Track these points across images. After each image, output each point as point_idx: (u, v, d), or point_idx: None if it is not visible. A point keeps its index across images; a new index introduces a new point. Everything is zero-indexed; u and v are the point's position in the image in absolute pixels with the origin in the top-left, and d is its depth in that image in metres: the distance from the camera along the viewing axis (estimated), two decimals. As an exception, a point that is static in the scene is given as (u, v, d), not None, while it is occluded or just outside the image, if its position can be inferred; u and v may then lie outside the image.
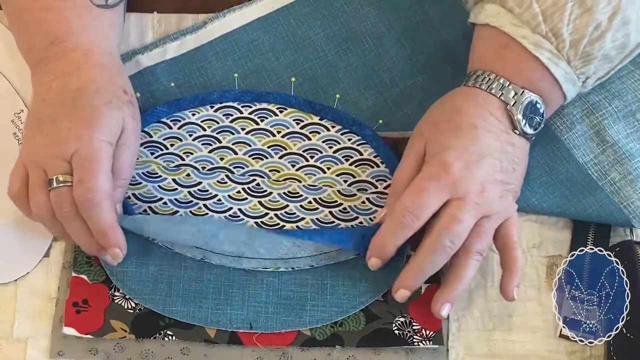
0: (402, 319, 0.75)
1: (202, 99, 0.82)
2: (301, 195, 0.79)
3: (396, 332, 0.75)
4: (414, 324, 0.75)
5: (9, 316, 0.77)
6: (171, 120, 0.82)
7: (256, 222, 0.78)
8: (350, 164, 0.81)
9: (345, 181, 0.80)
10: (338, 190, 0.79)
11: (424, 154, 0.73)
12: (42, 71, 0.76)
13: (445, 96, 0.76)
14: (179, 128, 0.82)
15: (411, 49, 0.84)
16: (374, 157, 0.81)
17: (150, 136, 0.81)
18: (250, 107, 0.82)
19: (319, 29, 0.85)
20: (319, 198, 0.79)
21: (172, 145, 0.81)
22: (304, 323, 0.75)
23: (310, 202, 0.79)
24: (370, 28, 0.85)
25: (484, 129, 0.72)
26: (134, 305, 0.76)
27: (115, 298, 0.76)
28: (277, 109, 0.82)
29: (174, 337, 0.75)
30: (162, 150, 0.81)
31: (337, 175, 0.80)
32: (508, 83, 0.72)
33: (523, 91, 0.72)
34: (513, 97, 0.72)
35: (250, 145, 0.81)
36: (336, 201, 0.79)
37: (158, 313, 0.75)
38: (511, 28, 0.72)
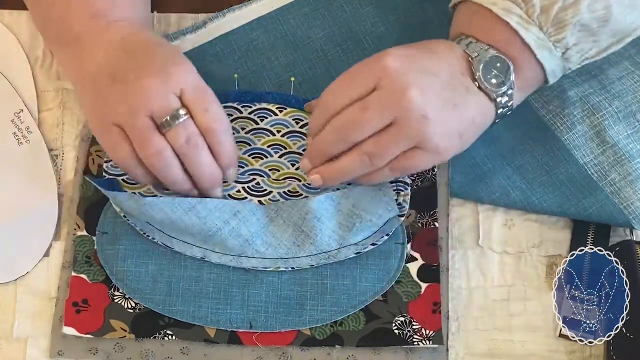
0: (402, 319, 0.75)
1: (202, 98, 0.82)
2: (301, 194, 0.79)
3: (396, 332, 0.75)
4: (414, 323, 0.75)
5: (9, 316, 0.77)
6: (171, 120, 0.82)
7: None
8: (351, 164, 0.80)
9: (345, 181, 0.80)
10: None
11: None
12: (85, 43, 0.74)
13: None
14: (179, 128, 0.82)
15: (411, 49, 0.84)
16: (374, 157, 0.81)
17: (150, 136, 0.81)
18: (250, 107, 0.82)
19: (319, 29, 0.85)
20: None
21: (172, 145, 0.81)
22: (304, 323, 0.75)
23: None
24: (370, 28, 0.85)
25: (444, 60, 0.71)
26: (134, 305, 0.76)
27: (115, 298, 0.76)
28: (276, 108, 0.82)
29: (174, 337, 0.75)
30: (162, 150, 0.81)
31: (337, 175, 0.80)
32: (476, 41, 0.72)
33: (489, 48, 0.71)
34: (478, 51, 0.71)
35: (250, 145, 0.81)
36: (336, 201, 0.79)
37: (158, 313, 0.75)
38: None
